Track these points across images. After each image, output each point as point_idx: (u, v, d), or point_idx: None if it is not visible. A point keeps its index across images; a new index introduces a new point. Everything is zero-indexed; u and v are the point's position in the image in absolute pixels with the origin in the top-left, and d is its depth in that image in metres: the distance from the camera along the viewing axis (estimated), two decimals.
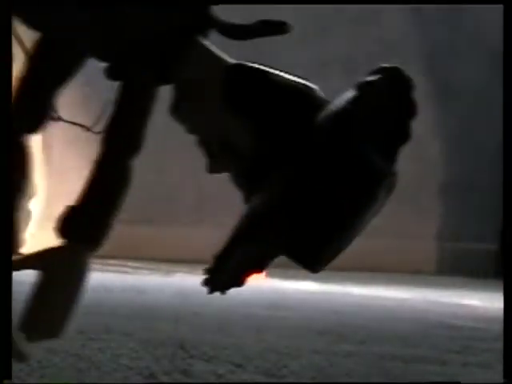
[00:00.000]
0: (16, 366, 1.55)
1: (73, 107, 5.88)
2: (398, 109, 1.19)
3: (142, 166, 5.17)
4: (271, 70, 1.27)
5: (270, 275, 4.16)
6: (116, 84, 1.44)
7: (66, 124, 5.33)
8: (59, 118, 4.97)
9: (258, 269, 1.22)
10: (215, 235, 6.54)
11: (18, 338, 1.24)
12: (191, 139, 4.64)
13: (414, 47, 5.68)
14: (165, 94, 4.73)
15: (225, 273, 1.19)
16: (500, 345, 1.98)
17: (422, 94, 4.97)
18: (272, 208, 1.16)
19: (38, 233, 5.65)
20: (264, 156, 1.18)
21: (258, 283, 3.94)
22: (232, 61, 1.30)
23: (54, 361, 1.64)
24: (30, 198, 5.23)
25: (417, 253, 5.54)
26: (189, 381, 1.54)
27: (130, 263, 4.79)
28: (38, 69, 1.48)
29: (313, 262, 1.22)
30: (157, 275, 4.15)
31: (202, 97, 1.27)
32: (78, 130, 5.21)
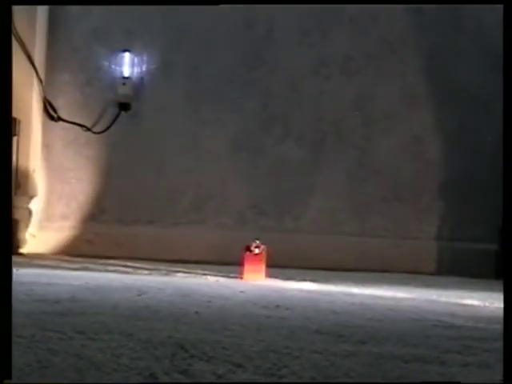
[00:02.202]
0: (16, 366, 1.55)
1: (73, 107, 5.91)
2: None
3: (141, 166, 5.25)
4: None
5: (269, 275, 4.16)
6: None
7: (66, 124, 5.48)
8: (59, 118, 5.13)
9: None
10: (215, 235, 6.58)
11: None
12: (191, 139, 4.72)
13: (414, 47, 5.68)
14: (166, 97, 4.77)
15: None
16: (500, 345, 1.98)
17: (422, 93, 5.02)
18: None
19: (38, 233, 5.65)
20: None
21: (258, 283, 3.94)
22: None
23: (54, 361, 1.64)
24: (31, 197, 5.28)
25: (416, 253, 5.54)
26: (189, 381, 1.54)
27: (129, 263, 4.79)
28: None
29: None
30: (157, 275, 4.14)
31: None
32: (78, 129, 5.32)
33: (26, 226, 5.57)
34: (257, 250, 4.11)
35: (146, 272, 4.30)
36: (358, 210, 5.62)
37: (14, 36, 5.35)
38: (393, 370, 1.71)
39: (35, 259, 4.97)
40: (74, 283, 3.37)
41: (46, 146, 5.68)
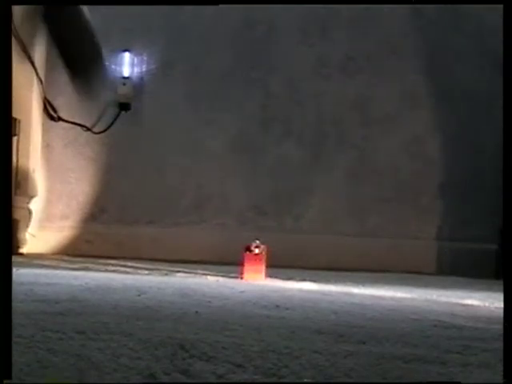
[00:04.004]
0: (16, 366, 1.55)
1: (73, 107, 5.90)
2: None
3: (141, 166, 5.28)
4: None
5: (269, 275, 4.16)
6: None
7: (66, 124, 5.56)
8: (59, 118, 5.23)
9: None
10: (215, 235, 6.58)
11: None
12: (191, 140, 4.76)
13: (414, 47, 5.68)
14: (166, 97, 4.80)
15: None
16: (500, 345, 1.98)
17: (422, 93, 5.02)
18: None
19: (38, 233, 5.65)
20: None
21: (258, 283, 3.94)
22: None
23: (54, 361, 1.64)
24: (31, 197, 5.30)
25: (417, 253, 5.54)
26: (189, 381, 1.54)
27: (129, 263, 4.79)
28: None
29: None
30: (157, 275, 4.14)
31: None
32: (78, 129, 5.35)
33: (26, 226, 5.56)
34: (257, 250, 4.11)
35: (146, 272, 4.30)
36: (358, 210, 5.62)
37: (14, 36, 5.35)
38: (393, 370, 1.71)
39: (35, 259, 4.97)
40: (74, 283, 3.37)
41: (46, 145, 5.68)
